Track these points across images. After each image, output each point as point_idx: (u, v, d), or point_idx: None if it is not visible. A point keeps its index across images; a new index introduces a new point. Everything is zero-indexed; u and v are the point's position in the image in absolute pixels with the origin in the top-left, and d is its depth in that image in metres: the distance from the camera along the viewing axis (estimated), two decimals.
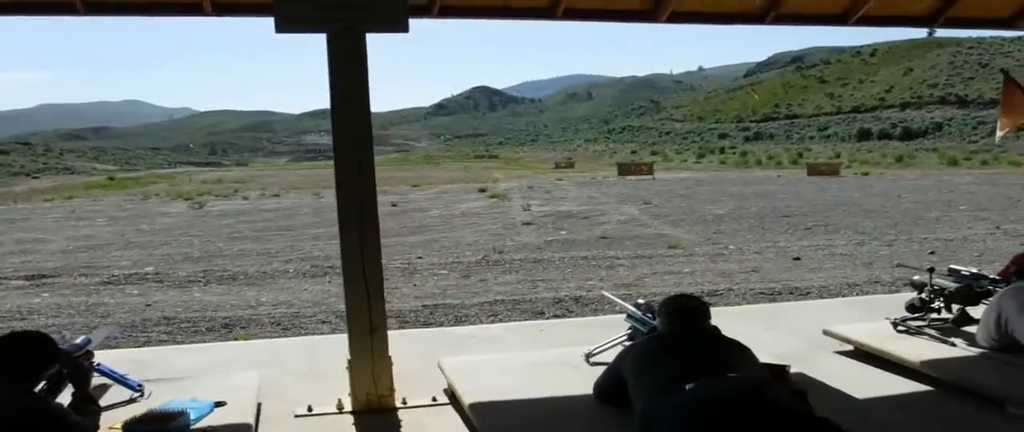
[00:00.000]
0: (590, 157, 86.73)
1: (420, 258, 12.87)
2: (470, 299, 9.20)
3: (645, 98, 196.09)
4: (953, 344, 4.60)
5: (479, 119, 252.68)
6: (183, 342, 7.29)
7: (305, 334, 7.60)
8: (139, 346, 6.96)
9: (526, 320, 7.73)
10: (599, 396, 3.65)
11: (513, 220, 18.86)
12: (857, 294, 8.73)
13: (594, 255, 12.50)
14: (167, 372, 4.39)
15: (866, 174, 38.37)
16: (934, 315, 4.80)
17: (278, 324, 8.18)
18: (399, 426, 3.91)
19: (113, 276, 11.68)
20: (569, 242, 14.36)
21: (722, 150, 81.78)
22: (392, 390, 4.23)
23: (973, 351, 4.45)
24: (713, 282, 9.90)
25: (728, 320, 3.84)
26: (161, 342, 7.37)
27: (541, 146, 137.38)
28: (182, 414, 3.40)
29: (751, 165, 55.84)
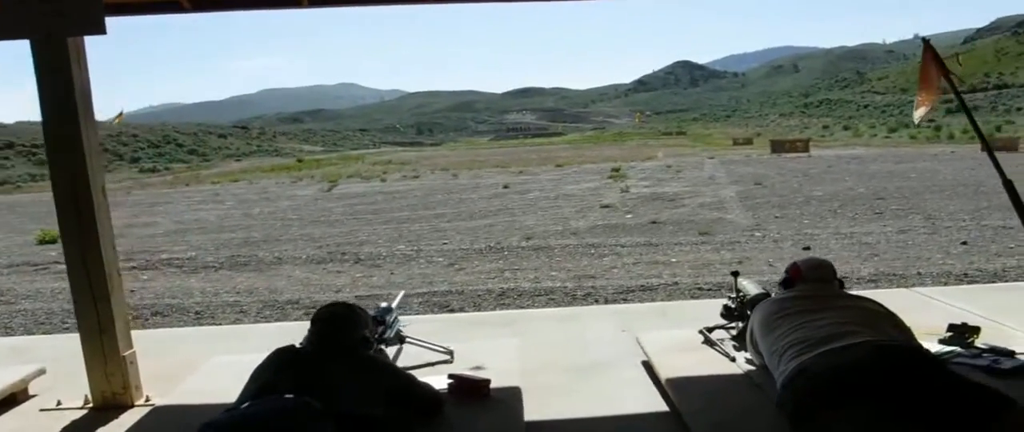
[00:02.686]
0: (780, 132, 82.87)
1: (444, 244, 12.95)
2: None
3: (852, 69, 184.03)
4: (733, 359, 4.34)
5: (680, 94, 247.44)
6: None
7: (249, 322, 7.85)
8: None
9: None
10: None
11: (595, 202, 18.51)
12: None
13: (608, 243, 12.05)
14: None
15: None
16: (742, 323, 4.42)
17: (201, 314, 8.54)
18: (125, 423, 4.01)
19: (146, 261, 12.61)
20: (615, 227, 13.93)
21: (920, 125, 75.50)
22: (128, 387, 4.37)
23: (744, 368, 4.13)
24: (658, 276, 9.30)
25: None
26: None
27: (736, 121, 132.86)
28: None
29: (942, 139, 51.35)
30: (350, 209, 20.07)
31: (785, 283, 4.12)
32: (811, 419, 3.14)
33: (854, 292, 4.35)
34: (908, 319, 5.20)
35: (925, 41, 5.53)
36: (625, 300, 7.72)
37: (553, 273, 9.69)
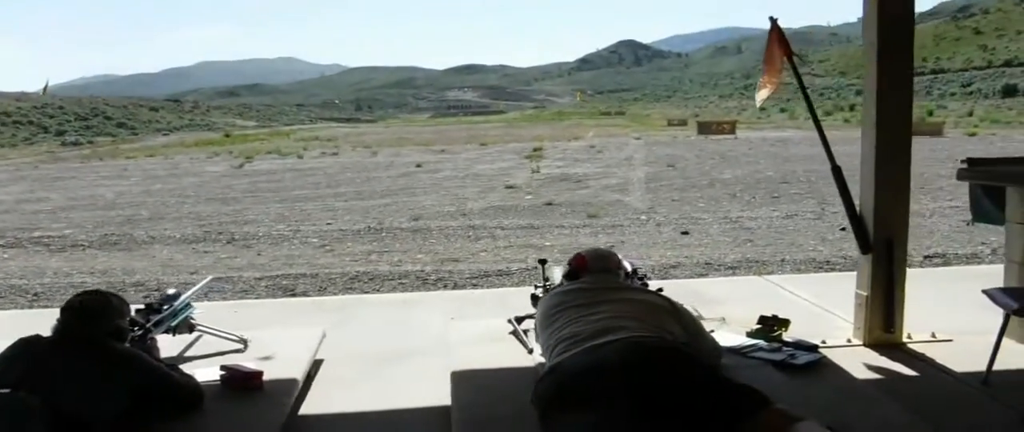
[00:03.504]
0: (718, 113, 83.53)
1: (327, 224, 12.57)
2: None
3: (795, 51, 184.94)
4: (531, 350, 4.20)
5: (623, 74, 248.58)
6: None
7: None
8: None
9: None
10: None
11: (501, 183, 18.25)
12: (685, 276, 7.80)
13: (490, 225, 11.81)
14: None
15: (973, 134, 35.04)
16: None
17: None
18: None
19: (16, 238, 12.01)
20: (508, 209, 13.70)
21: (852, 108, 76.80)
22: None
23: (538, 361, 3.93)
24: (523, 260, 9.07)
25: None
26: None
27: (676, 102, 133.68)
28: None
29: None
30: (252, 187, 19.50)
31: (570, 275, 3.94)
32: (550, 419, 2.96)
33: (637, 285, 4.20)
34: (743, 308, 5.11)
35: (773, 20, 5.32)
36: (475, 286, 7.48)
37: (420, 256, 9.41)
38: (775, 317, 4.76)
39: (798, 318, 5.32)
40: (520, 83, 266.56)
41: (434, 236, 10.90)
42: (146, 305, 4.36)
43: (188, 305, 4.67)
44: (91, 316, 3.28)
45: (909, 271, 7.47)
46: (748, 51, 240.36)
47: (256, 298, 7.42)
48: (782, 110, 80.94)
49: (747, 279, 7.01)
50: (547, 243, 10.11)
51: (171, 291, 4.70)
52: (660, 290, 4.83)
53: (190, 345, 4.59)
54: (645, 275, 4.93)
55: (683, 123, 59.29)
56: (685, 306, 3.71)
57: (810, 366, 4.14)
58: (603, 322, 3.27)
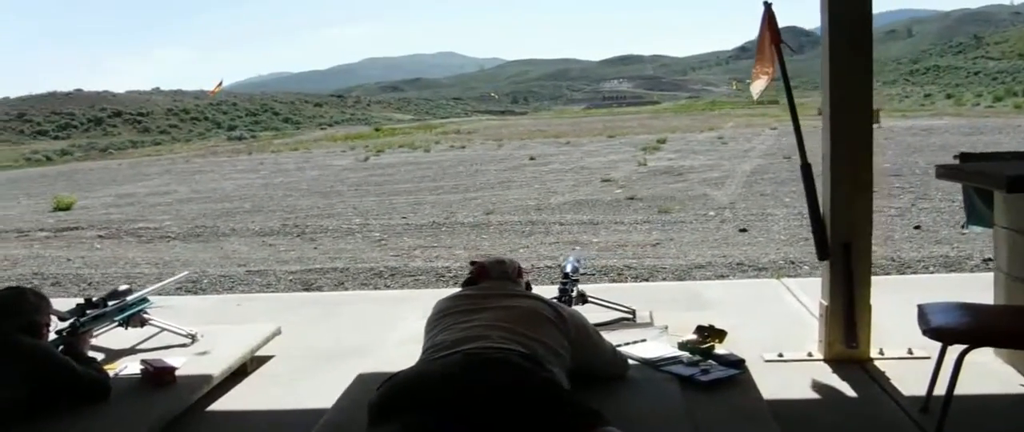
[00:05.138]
0: (878, 101, 78.81)
1: (402, 218, 12.77)
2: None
3: (970, 33, 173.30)
4: None
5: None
6: None
7: None
8: None
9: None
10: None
11: (600, 176, 17.97)
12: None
13: (552, 220, 11.64)
14: None
15: None
16: None
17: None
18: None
19: (118, 229, 12.88)
20: (584, 203, 13.46)
21: None
22: None
23: None
24: (549, 257, 8.87)
25: None
26: None
27: None
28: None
29: None
30: (363, 180, 20.13)
31: (468, 281, 3.82)
32: (370, 428, 2.89)
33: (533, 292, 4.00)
34: (725, 313, 4.84)
35: (766, 4, 4.93)
36: None
37: (459, 252, 9.40)
38: (711, 327, 4.43)
39: (779, 326, 5.00)
40: (676, 73, 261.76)
41: (489, 231, 10.86)
42: (85, 300, 4.54)
43: (144, 299, 4.85)
44: (3, 311, 3.51)
45: (914, 278, 6.90)
46: (920, 34, 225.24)
47: (274, 292, 7.62)
48: (948, 96, 75.68)
49: (761, 282, 6.58)
50: (595, 240, 9.86)
51: (122, 287, 4.87)
52: (569, 296, 4.63)
53: (149, 338, 4.76)
54: (576, 282, 4.73)
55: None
56: (581, 317, 3.53)
57: (717, 383, 3.83)
58: (470, 331, 3.15)
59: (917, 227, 9.74)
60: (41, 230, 13.46)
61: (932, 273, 7.45)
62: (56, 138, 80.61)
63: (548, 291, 4.37)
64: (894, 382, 4.06)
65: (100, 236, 12.22)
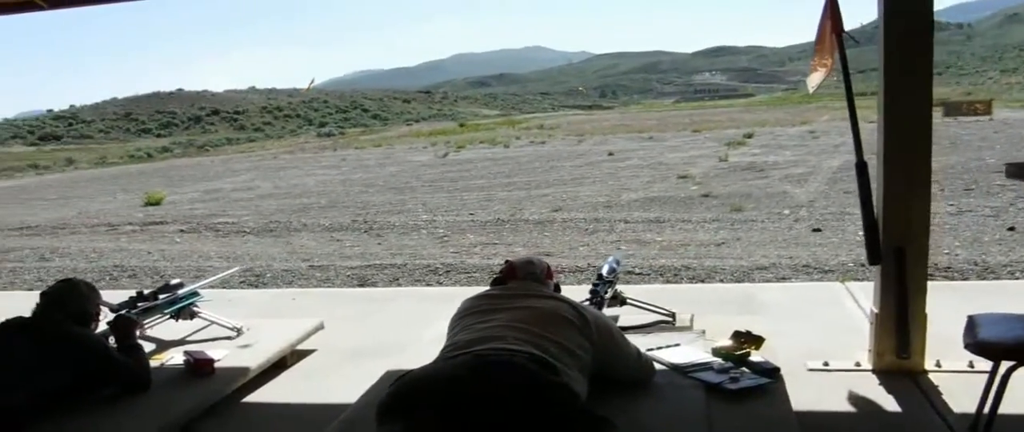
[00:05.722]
0: (995, 91, 75.16)
1: (470, 215, 12.78)
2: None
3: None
4: None
5: None
6: None
7: None
8: None
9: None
10: None
11: (677, 173, 17.63)
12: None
13: (617, 218, 11.45)
14: None
15: None
16: None
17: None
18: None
19: (198, 223, 13.28)
20: (656, 200, 13.23)
21: None
22: None
23: None
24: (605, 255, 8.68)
25: None
26: None
27: (946, 79, 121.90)
28: None
29: None
30: (438, 176, 20.27)
31: (497, 281, 3.79)
32: (378, 426, 2.88)
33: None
34: (777, 318, 4.68)
35: None
36: None
37: (518, 249, 9.33)
38: (748, 333, 4.26)
39: (831, 333, 4.79)
40: (773, 64, 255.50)
41: (553, 229, 10.77)
42: (137, 293, 4.72)
43: (194, 293, 4.99)
44: (55, 301, 3.72)
45: (997, 284, 6.48)
46: None
47: (331, 287, 7.71)
48: None
49: (822, 286, 6.30)
50: (658, 238, 9.65)
51: (174, 281, 5.02)
52: (599, 298, 4.49)
53: (198, 331, 4.91)
54: (610, 283, 4.60)
55: (941, 104, 54.14)
56: (605, 319, 3.46)
57: (746, 392, 3.67)
58: (487, 331, 3.13)
59: (1011, 228, 9.19)
60: (129, 224, 14.02)
61: (1019, 279, 7.02)
62: (158, 136, 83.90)
63: (579, 292, 4.27)
64: (945, 397, 3.81)
65: (181, 230, 12.64)
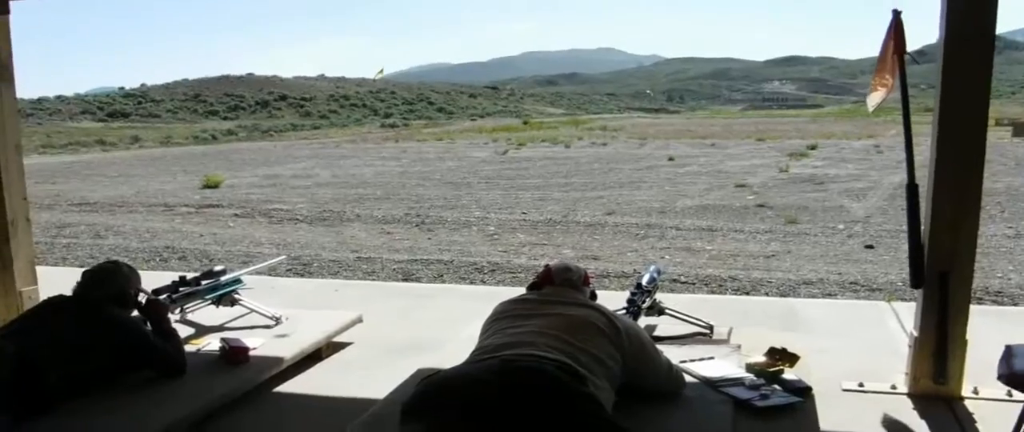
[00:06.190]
0: None
1: (522, 214, 12.80)
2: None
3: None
4: None
5: None
6: None
7: None
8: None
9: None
10: None
11: (736, 181, 17.41)
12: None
13: (669, 224, 11.34)
14: None
15: None
16: None
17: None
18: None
19: (252, 209, 13.54)
20: (711, 209, 13.08)
21: None
22: None
23: None
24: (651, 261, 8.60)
25: None
26: None
27: (1021, 99, 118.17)
28: None
29: None
30: (495, 173, 20.34)
31: (533, 285, 3.80)
32: (402, 425, 2.93)
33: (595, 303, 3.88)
34: (818, 336, 4.62)
35: (895, 12, 4.61)
36: None
37: (565, 251, 9.32)
38: (783, 350, 4.21)
39: (871, 353, 4.68)
40: (844, 76, 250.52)
41: (603, 232, 10.73)
42: (180, 278, 4.81)
43: (237, 280, 5.07)
44: (96, 281, 3.79)
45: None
46: None
47: (375, 280, 7.79)
48: None
49: (867, 304, 6.16)
50: (709, 247, 9.54)
51: (217, 268, 5.10)
52: (636, 308, 4.45)
53: (238, 317, 4.96)
54: (648, 292, 4.56)
55: (1012, 123, 52.50)
56: (637, 330, 3.45)
57: (774, 410, 3.63)
58: (518, 336, 3.16)
59: None
60: (186, 206, 14.36)
61: None
62: (225, 119, 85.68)
63: (617, 301, 4.25)
64: (980, 425, 3.70)
65: (235, 215, 12.91)
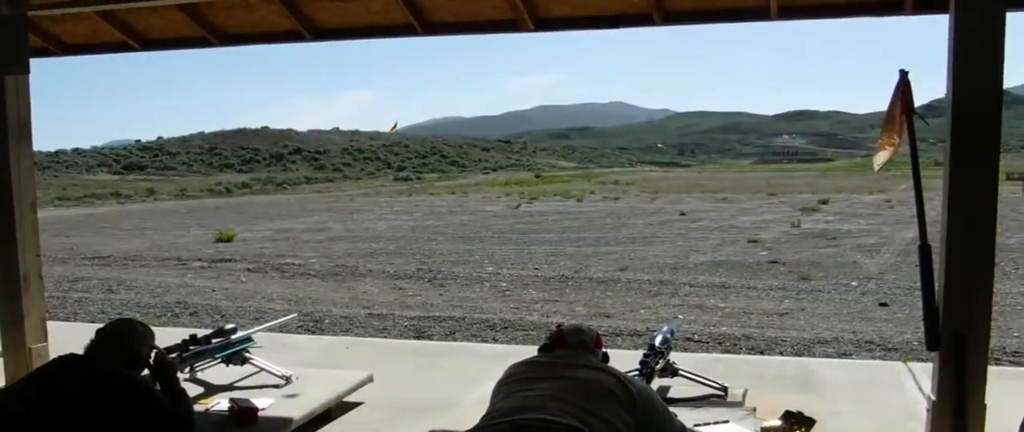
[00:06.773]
0: None
1: (535, 269, 12.78)
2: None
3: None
4: None
5: None
6: None
7: None
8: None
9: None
10: None
11: (748, 237, 17.36)
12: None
13: (682, 281, 11.30)
14: None
15: None
16: None
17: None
18: None
19: (265, 264, 13.58)
20: (724, 265, 13.03)
21: None
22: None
23: None
24: (664, 320, 8.55)
25: None
26: None
27: None
28: None
29: None
30: (508, 228, 20.38)
31: (544, 347, 3.76)
32: None
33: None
34: (832, 398, 4.57)
35: (902, 73, 4.64)
36: None
37: (578, 308, 9.29)
38: (800, 415, 4.15)
39: (887, 418, 4.62)
40: (854, 130, 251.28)
41: (616, 289, 10.69)
42: (190, 336, 4.79)
43: (247, 339, 5.05)
44: (109, 341, 3.74)
45: None
46: None
47: (387, 337, 7.76)
48: None
49: (884, 365, 6.08)
50: (722, 305, 9.48)
51: (228, 326, 5.09)
52: (649, 370, 4.40)
53: (248, 377, 4.93)
54: (661, 353, 4.52)
55: (1023, 177, 52.36)
56: (650, 393, 3.42)
57: None
58: (528, 400, 3.12)
59: None
60: (198, 260, 14.43)
61: None
62: (240, 171, 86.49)
63: (629, 360, 4.21)
64: None
65: (248, 269, 12.94)
